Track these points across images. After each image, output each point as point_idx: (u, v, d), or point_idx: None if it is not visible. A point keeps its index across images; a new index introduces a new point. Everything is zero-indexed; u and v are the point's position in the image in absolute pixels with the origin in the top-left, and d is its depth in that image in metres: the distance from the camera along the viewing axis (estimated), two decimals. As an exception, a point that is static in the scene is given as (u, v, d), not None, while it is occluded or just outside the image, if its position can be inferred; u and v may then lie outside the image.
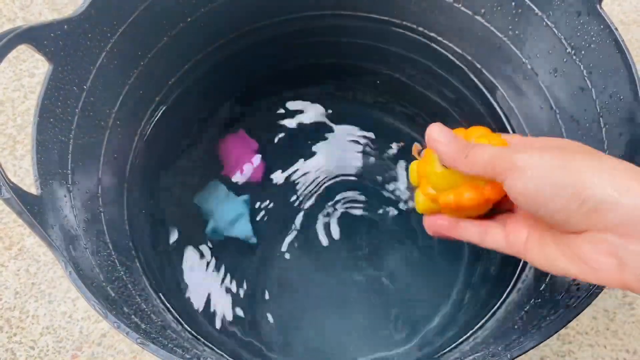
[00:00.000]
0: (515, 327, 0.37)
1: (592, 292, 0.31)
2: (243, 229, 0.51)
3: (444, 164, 0.29)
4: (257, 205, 0.54)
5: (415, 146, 0.33)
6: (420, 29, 0.51)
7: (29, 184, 0.59)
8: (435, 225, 0.33)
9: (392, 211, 0.54)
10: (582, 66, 0.39)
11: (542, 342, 0.31)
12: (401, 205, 0.54)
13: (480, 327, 0.44)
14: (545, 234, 0.28)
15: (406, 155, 0.56)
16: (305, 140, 0.57)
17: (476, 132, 0.31)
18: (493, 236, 0.31)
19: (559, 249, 0.27)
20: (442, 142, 0.29)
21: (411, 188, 0.53)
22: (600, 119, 0.38)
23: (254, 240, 0.52)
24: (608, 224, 0.24)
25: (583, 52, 0.39)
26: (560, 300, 0.35)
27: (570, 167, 0.25)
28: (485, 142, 0.29)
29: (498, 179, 0.27)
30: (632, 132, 0.35)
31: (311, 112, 0.58)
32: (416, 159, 0.33)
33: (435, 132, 0.29)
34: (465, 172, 0.28)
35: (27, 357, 0.52)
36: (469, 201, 0.30)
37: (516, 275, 0.46)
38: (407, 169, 0.54)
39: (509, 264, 0.47)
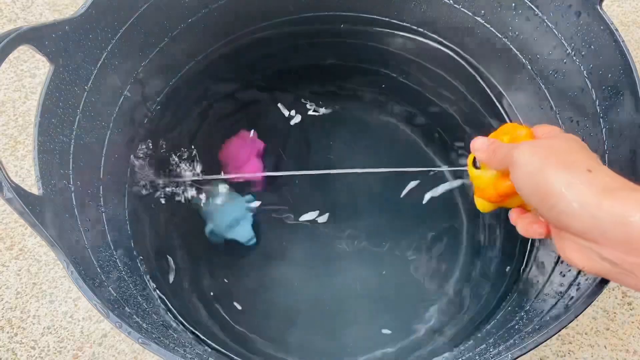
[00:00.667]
0: (516, 327, 0.37)
1: (592, 292, 0.31)
2: (243, 232, 0.51)
3: (489, 166, 0.34)
4: (259, 206, 0.54)
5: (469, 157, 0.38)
6: (421, 29, 0.52)
7: (31, 184, 0.59)
8: (512, 219, 0.37)
9: (393, 212, 0.54)
10: (582, 67, 0.40)
11: (542, 342, 0.31)
12: (401, 206, 0.54)
13: (480, 327, 0.44)
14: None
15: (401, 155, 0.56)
16: (309, 140, 0.57)
17: (505, 128, 0.35)
18: (540, 227, 0.34)
19: (554, 236, 0.31)
20: (479, 150, 0.34)
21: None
22: (600, 119, 0.38)
23: (253, 241, 0.52)
24: (572, 230, 0.27)
25: (583, 52, 0.39)
26: (561, 300, 0.35)
27: (544, 174, 0.28)
28: (513, 136, 0.34)
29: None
30: (633, 132, 0.35)
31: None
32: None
33: (477, 143, 0.34)
34: (496, 169, 0.33)
35: (28, 357, 0.52)
36: (506, 189, 0.34)
37: (517, 275, 0.46)
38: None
39: (509, 264, 0.48)
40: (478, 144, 0.34)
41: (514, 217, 0.36)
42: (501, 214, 0.52)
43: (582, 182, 0.27)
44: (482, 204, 0.38)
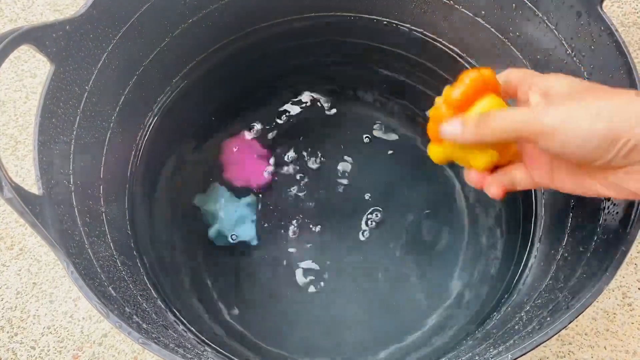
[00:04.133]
0: (516, 327, 0.37)
1: (592, 293, 0.31)
2: (247, 231, 0.51)
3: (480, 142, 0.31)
4: (260, 206, 0.54)
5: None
6: (421, 30, 0.52)
7: (31, 184, 0.59)
8: (472, 181, 0.35)
9: (393, 212, 0.54)
10: (582, 68, 0.40)
11: (542, 343, 0.31)
12: (402, 209, 0.54)
13: (480, 328, 0.44)
14: (576, 168, 0.30)
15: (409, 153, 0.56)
16: (311, 139, 0.57)
17: (452, 101, 0.32)
18: (520, 180, 0.34)
19: (594, 178, 0.29)
20: (459, 135, 0.31)
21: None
22: (601, 120, 0.38)
23: (255, 240, 0.52)
24: None
25: (584, 53, 0.39)
26: (561, 301, 0.35)
27: (598, 119, 0.26)
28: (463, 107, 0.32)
29: (526, 141, 0.30)
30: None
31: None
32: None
33: (449, 129, 0.32)
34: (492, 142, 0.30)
35: (28, 357, 0.52)
36: (513, 154, 0.33)
37: (517, 276, 0.46)
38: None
39: (509, 265, 0.48)
40: (451, 129, 0.31)
41: (481, 180, 0.34)
42: (502, 216, 0.52)
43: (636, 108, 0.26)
44: (439, 155, 0.35)
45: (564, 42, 0.41)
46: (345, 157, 0.56)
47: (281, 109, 0.58)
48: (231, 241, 0.52)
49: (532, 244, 0.47)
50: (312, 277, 0.52)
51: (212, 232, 0.51)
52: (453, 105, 0.32)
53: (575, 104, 0.27)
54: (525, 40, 0.44)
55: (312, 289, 0.51)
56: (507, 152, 0.33)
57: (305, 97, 0.58)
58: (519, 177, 0.34)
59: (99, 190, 0.42)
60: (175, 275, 0.49)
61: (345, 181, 0.55)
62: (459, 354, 0.41)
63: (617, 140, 0.26)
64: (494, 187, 0.34)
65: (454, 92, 0.32)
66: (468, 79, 0.32)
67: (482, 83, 0.32)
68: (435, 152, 0.35)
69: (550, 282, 0.39)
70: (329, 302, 0.51)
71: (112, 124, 0.44)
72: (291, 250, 0.53)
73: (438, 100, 0.34)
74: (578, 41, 0.39)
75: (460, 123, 0.31)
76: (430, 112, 0.34)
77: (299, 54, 0.57)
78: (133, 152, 0.48)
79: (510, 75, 0.33)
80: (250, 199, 0.53)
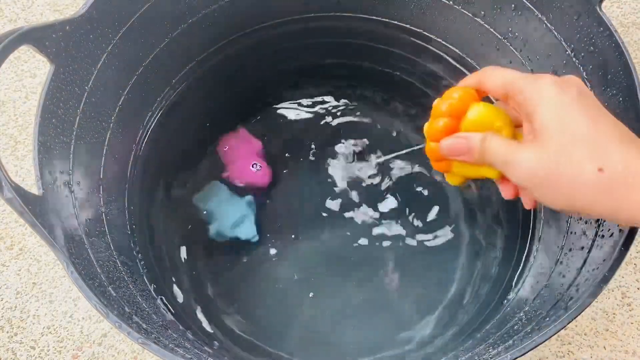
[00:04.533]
0: (515, 327, 0.38)
1: (591, 293, 0.31)
2: (247, 230, 0.51)
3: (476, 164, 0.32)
4: (260, 204, 0.54)
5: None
6: (420, 30, 0.52)
7: (31, 184, 0.59)
8: (507, 196, 0.34)
9: (392, 211, 0.54)
10: (581, 68, 0.40)
11: (541, 343, 0.31)
12: (401, 205, 0.54)
13: (480, 328, 0.44)
14: None
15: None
16: (310, 140, 0.57)
17: (451, 106, 0.32)
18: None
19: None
20: (459, 153, 0.32)
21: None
22: (600, 120, 0.38)
23: (256, 239, 0.52)
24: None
25: (583, 54, 0.39)
26: (560, 301, 0.35)
27: (559, 196, 0.27)
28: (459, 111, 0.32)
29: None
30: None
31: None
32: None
33: (449, 146, 0.32)
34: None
35: (28, 356, 0.52)
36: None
37: (516, 275, 0.46)
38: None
39: (509, 265, 0.48)
40: (451, 146, 0.32)
41: (513, 193, 0.33)
42: (500, 216, 0.52)
43: (600, 189, 0.26)
44: (456, 180, 0.35)
45: (563, 42, 0.41)
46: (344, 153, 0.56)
47: (281, 108, 0.58)
48: (230, 240, 0.52)
49: (532, 244, 0.47)
50: (312, 276, 0.52)
51: (211, 231, 0.51)
52: (439, 137, 0.32)
53: (540, 169, 0.27)
54: (524, 40, 0.44)
55: (312, 288, 0.51)
56: None
57: (305, 96, 0.59)
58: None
59: (98, 190, 0.42)
60: (175, 275, 0.50)
61: (346, 178, 0.55)
62: (459, 354, 0.41)
63: (579, 212, 0.28)
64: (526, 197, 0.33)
65: (436, 123, 0.32)
66: (445, 105, 0.32)
67: (461, 102, 0.32)
68: (452, 178, 0.36)
69: (550, 282, 0.39)
70: (329, 302, 0.51)
71: (112, 124, 0.44)
72: (291, 249, 0.53)
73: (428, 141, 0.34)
74: (577, 41, 0.39)
75: (461, 143, 0.31)
76: (426, 151, 0.34)
77: (299, 54, 0.57)
78: (133, 152, 0.48)
79: (496, 82, 0.31)
80: (249, 197, 0.53)
